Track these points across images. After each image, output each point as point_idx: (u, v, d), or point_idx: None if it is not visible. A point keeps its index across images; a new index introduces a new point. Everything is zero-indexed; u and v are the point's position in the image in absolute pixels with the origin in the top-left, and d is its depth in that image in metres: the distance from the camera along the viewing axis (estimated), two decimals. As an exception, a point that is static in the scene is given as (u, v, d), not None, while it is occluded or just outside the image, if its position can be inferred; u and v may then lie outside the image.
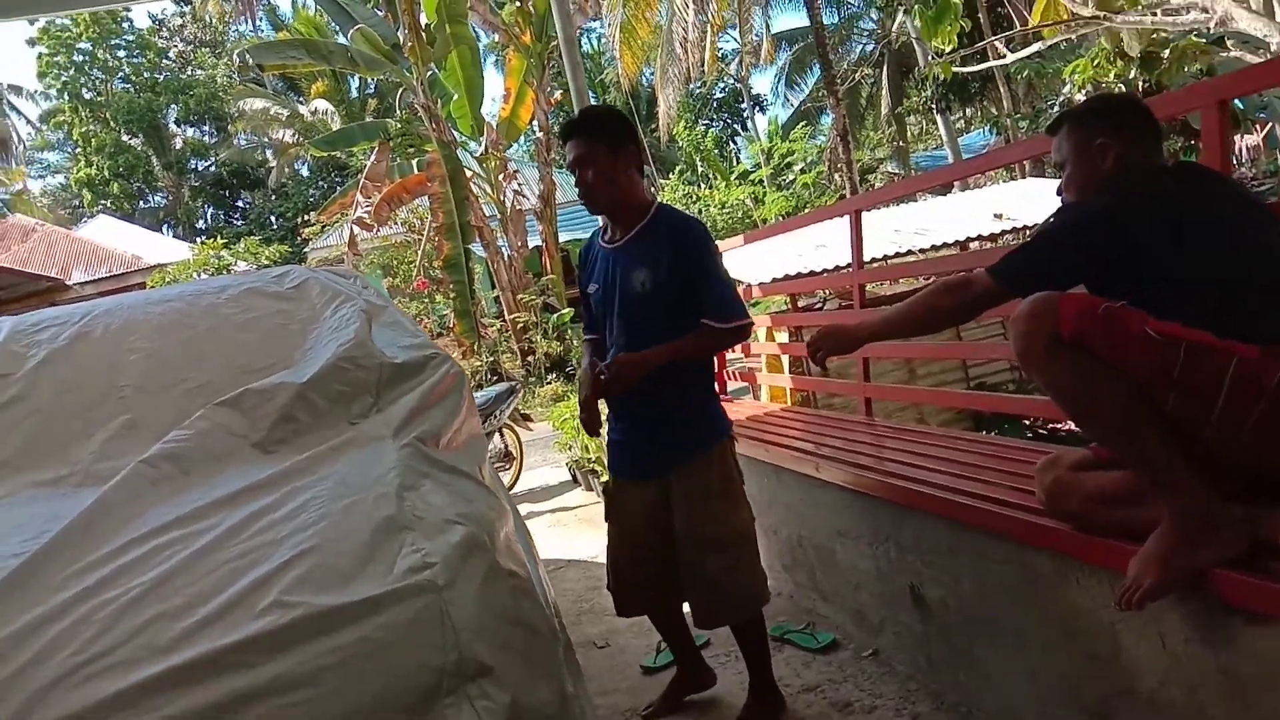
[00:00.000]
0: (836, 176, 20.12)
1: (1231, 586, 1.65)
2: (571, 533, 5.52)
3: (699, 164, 24.16)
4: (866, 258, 4.21)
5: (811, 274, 7.58)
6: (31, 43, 32.95)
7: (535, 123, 15.18)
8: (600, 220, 2.83)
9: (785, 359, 5.85)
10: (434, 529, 1.67)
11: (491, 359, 13.74)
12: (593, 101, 5.19)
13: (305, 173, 33.27)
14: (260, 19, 33.38)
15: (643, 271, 2.53)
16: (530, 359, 14.09)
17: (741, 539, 2.62)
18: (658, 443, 2.64)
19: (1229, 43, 9.06)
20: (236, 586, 1.46)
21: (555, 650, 1.85)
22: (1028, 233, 9.02)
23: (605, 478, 2.98)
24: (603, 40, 27.92)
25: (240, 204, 36.69)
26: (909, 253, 8.25)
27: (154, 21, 35.68)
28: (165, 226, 34.03)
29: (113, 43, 33.72)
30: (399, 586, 1.47)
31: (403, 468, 1.87)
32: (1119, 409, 1.67)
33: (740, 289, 6.20)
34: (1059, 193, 2.11)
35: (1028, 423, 6.77)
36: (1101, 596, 2.00)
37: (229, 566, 1.53)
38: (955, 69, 7.62)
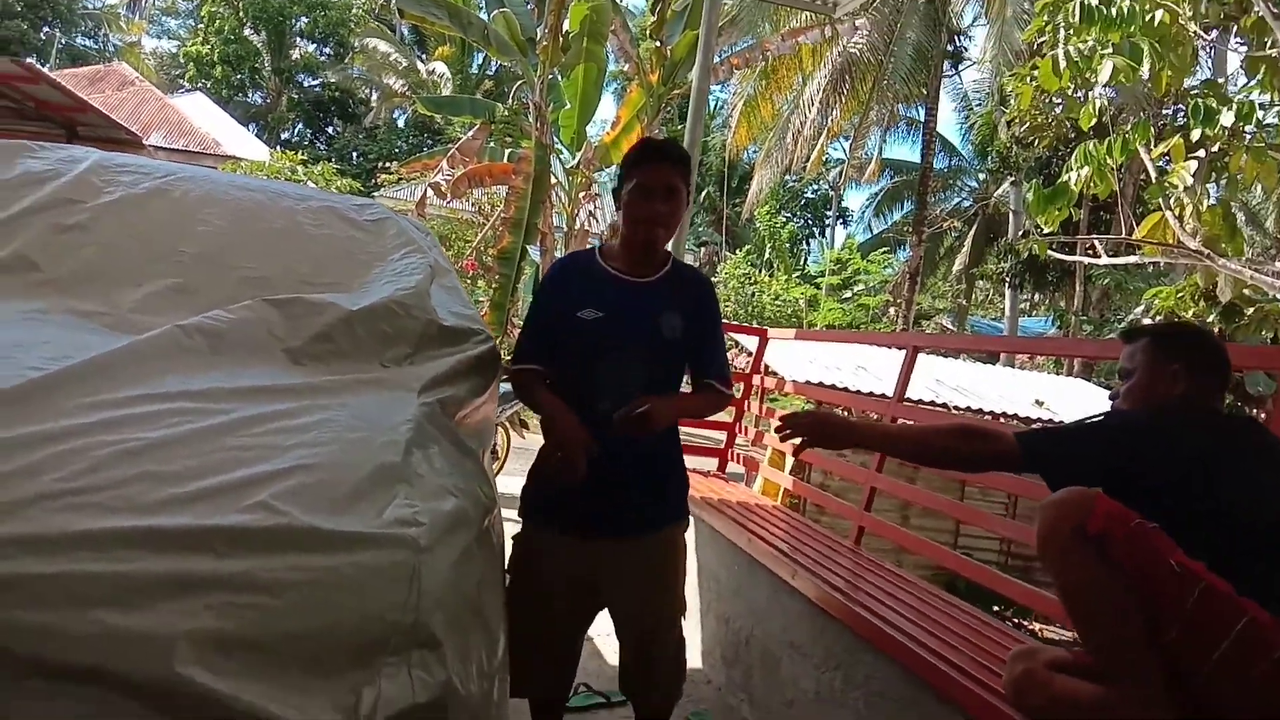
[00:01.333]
0: (893, 310, 20.23)
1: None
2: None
3: (768, 251, 24.35)
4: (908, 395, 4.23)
5: (846, 390, 7.58)
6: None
7: (632, 156, 15.38)
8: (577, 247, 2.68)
9: (790, 459, 5.82)
10: (430, 491, 1.67)
11: (509, 359, 13.76)
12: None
13: (401, 124, 33.76)
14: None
15: (676, 317, 2.35)
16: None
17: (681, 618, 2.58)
18: (646, 499, 2.41)
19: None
20: (230, 475, 1.46)
21: (497, 652, 1.83)
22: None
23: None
24: (721, 104, 28.40)
25: (330, 130, 37.24)
26: (943, 405, 8.25)
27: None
28: (253, 125, 34.55)
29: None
30: (382, 533, 1.47)
31: (417, 423, 1.86)
32: (1121, 625, 1.67)
33: (773, 380, 6.23)
34: (1111, 398, 2.12)
35: (996, 609, 6.68)
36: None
37: (229, 454, 1.53)
38: (1049, 251, 7.66)
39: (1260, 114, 6.49)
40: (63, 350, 1.72)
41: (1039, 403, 8.36)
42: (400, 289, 2.37)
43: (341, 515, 1.46)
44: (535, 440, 8.22)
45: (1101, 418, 2.01)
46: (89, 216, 2.44)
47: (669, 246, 2.46)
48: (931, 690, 2.35)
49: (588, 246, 13.90)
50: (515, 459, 7.96)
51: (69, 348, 1.75)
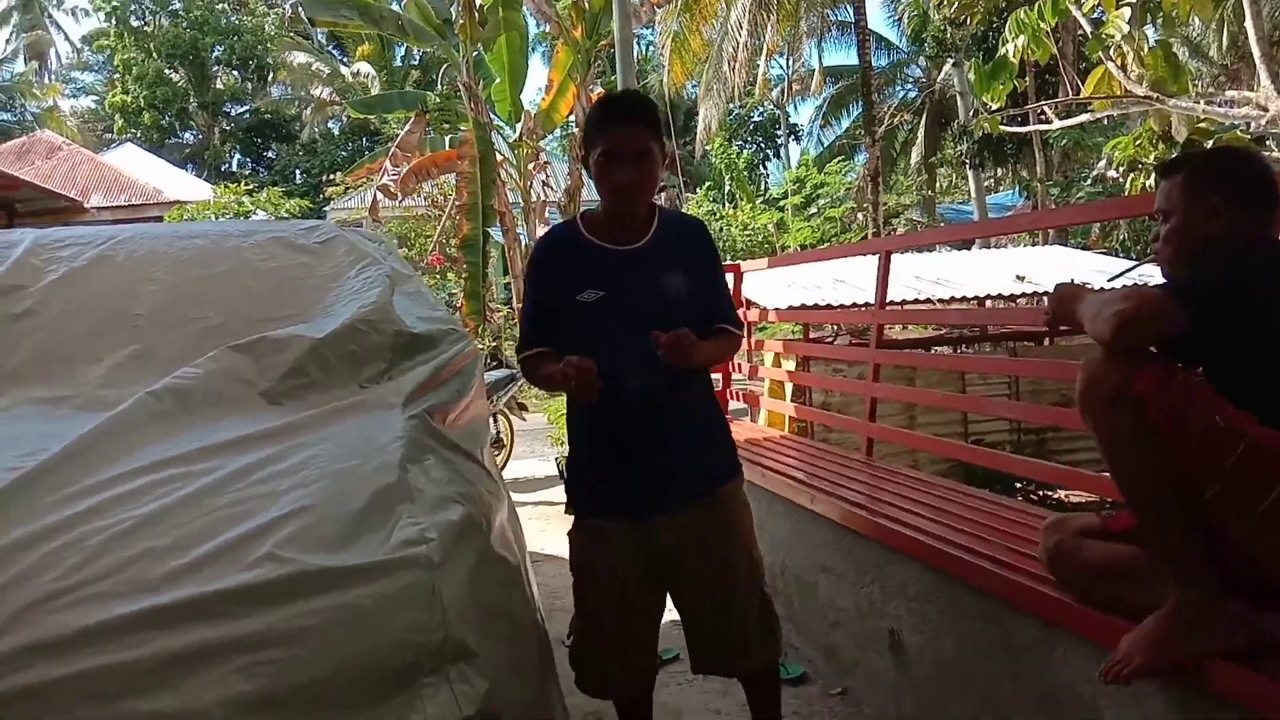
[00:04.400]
0: (861, 216, 20.16)
1: (1227, 679, 1.63)
2: (553, 527, 5.49)
3: (728, 183, 24.18)
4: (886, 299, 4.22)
5: (829, 307, 7.57)
6: (89, -39, 33.04)
7: (572, 117, 15.19)
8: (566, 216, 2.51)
9: (789, 386, 5.84)
10: (433, 504, 1.66)
11: (494, 344, 13.73)
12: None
13: (337, 132, 33.26)
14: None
15: (678, 276, 2.22)
16: (532, 349, 14.05)
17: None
18: (696, 463, 2.25)
19: (1269, 143, 9.08)
20: (229, 534, 1.44)
21: (535, 645, 1.83)
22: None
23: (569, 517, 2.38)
24: (651, 47, 27.98)
25: (268, 154, 36.68)
26: (926, 300, 8.25)
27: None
28: (190, 165, 33.98)
29: (170, -26, 33.79)
30: (393, 557, 1.46)
31: (408, 439, 1.85)
32: (1158, 482, 1.65)
33: (755, 311, 6.22)
34: (1152, 241, 1.97)
35: (1019, 485, 6.76)
36: (1085, 670, 1.97)
37: (223, 512, 1.51)
38: (1001, 126, 7.61)
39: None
40: (36, 444, 1.69)
41: (1020, 278, 8.37)
42: (363, 306, 2.34)
43: (349, 549, 1.45)
44: (536, 422, 8.14)
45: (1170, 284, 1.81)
46: (36, 300, 2.39)
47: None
48: (968, 586, 2.37)
49: (546, 218, 13.69)
50: (522, 442, 7.98)
51: (42, 439, 1.72)
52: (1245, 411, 1.61)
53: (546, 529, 5.50)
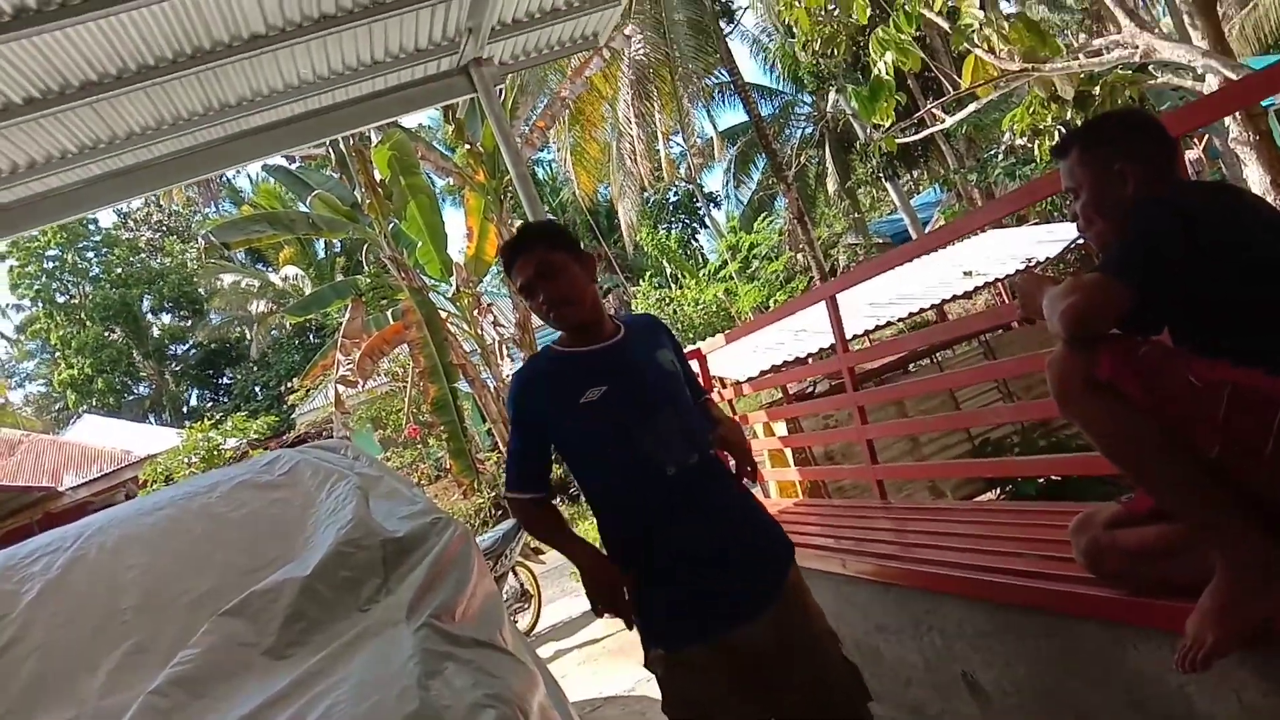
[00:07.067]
0: (800, 256, 20.45)
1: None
2: (603, 668, 5.33)
3: (666, 266, 24.54)
4: (848, 337, 4.21)
5: (798, 361, 7.59)
6: (1, 257, 33.56)
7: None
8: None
9: (789, 452, 5.79)
10: (464, 716, 1.60)
11: (493, 494, 13.59)
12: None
13: (283, 340, 33.54)
14: (222, 199, 34.25)
15: (665, 353, 2.26)
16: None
17: None
18: (770, 546, 2.21)
19: (1151, 69, 9.39)
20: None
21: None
22: (1007, 281, 9.09)
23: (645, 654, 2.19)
24: (555, 165, 28.72)
25: (224, 380, 36.82)
26: (888, 324, 8.31)
27: (119, 216, 36.45)
28: (152, 415, 34.06)
29: (80, 245, 34.35)
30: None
31: (421, 654, 1.79)
32: (1162, 456, 1.61)
33: (730, 389, 6.21)
34: (1074, 220, 1.97)
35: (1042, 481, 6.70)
36: (1164, 660, 1.91)
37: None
38: (897, 139, 7.82)
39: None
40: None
41: (967, 273, 8.47)
42: (341, 527, 2.30)
43: (391, 798, 1.38)
44: (555, 558, 7.87)
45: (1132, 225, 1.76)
46: (18, 627, 2.31)
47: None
48: (1020, 609, 2.31)
49: (507, 354, 13.63)
50: (548, 584, 7.82)
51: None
52: (1219, 361, 1.59)
53: (598, 670, 5.34)
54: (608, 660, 5.45)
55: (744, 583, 2.11)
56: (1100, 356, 1.63)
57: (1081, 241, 2.01)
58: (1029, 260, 8.20)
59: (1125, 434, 1.65)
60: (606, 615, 2.17)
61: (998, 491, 6.58)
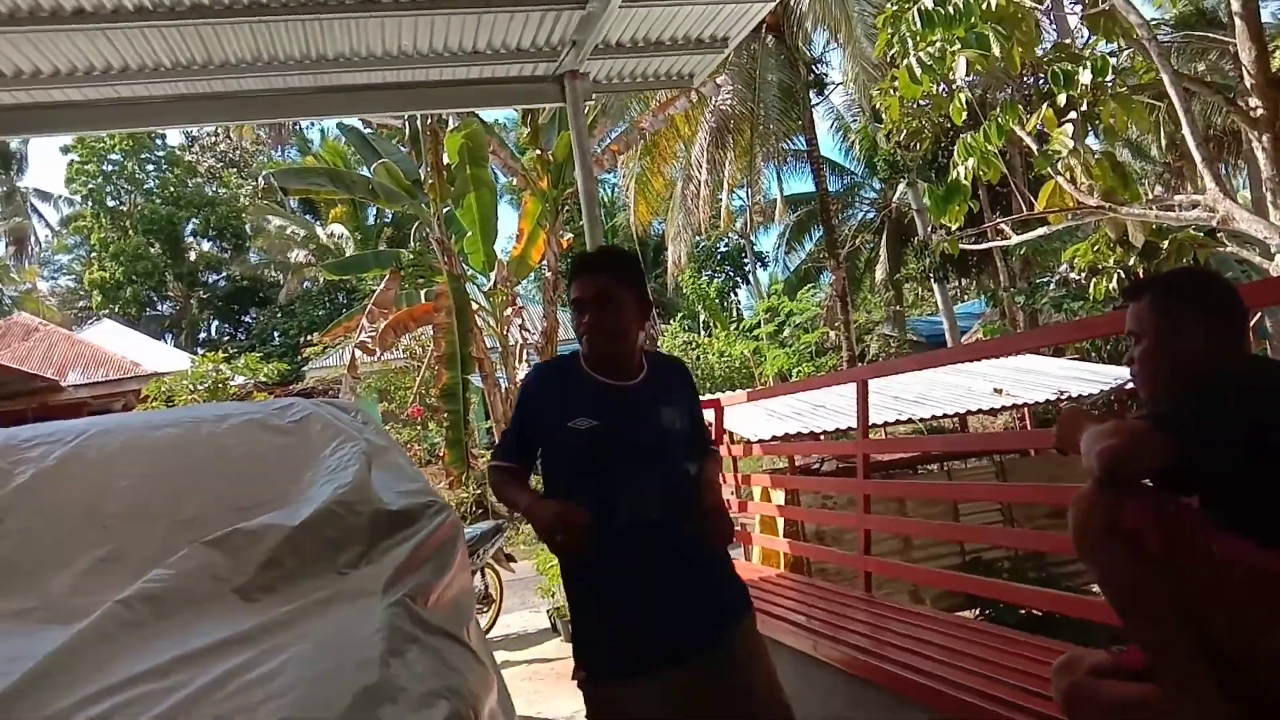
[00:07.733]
0: (833, 334, 20.45)
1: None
2: (548, 689, 5.27)
3: (701, 313, 24.60)
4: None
5: (811, 435, 7.57)
6: (65, 150, 34.10)
7: (545, 262, 15.54)
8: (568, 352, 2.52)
9: (781, 521, 5.75)
10: (417, 702, 1.59)
11: (479, 491, 13.57)
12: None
13: (314, 293, 33.79)
14: (290, 145, 34.70)
15: (672, 411, 2.30)
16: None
17: None
18: (718, 599, 2.22)
19: (1220, 236, 9.39)
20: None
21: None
22: (1032, 408, 9.04)
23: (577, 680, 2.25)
24: (616, 189, 28.95)
25: (246, 319, 37.07)
26: (908, 420, 8.28)
27: (187, 138, 36.95)
28: (168, 335, 34.26)
29: (143, 156, 34.84)
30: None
31: (389, 629, 1.78)
32: (1163, 618, 1.60)
33: (739, 446, 6.18)
34: (1127, 363, 1.95)
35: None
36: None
37: (197, 732, 1.43)
38: (961, 244, 7.84)
39: (1113, 61, 6.80)
40: (-4, 668, 1.61)
41: (998, 391, 8.44)
42: (339, 487, 2.30)
43: (330, 764, 1.37)
44: (524, 570, 7.89)
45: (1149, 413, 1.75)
46: (1, 507, 2.32)
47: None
48: (985, 732, 2.27)
49: (526, 360, 13.68)
50: (511, 593, 7.76)
51: (3, 663, 1.63)
52: (1247, 540, 1.57)
53: (541, 690, 5.28)
54: (554, 683, 5.39)
55: (677, 631, 2.16)
56: (1128, 503, 1.61)
57: (1130, 387, 1.99)
58: (1062, 393, 8.17)
59: (1136, 589, 1.64)
60: (563, 546, 2.14)
61: (976, 612, 6.51)
